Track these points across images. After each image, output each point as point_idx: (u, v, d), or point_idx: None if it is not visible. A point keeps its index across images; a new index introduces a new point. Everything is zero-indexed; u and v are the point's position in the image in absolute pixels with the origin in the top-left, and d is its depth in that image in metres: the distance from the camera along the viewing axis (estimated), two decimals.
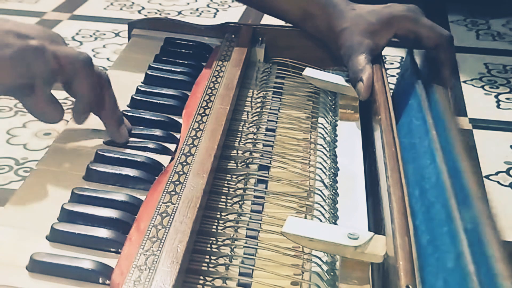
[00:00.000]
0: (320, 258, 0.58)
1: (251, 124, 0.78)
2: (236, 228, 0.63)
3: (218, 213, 0.65)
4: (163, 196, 0.61)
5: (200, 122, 0.73)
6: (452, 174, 0.60)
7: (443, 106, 0.74)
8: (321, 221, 0.64)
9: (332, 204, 0.66)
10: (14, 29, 0.66)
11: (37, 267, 0.55)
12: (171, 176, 0.64)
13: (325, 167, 0.71)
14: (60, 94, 0.70)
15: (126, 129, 0.72)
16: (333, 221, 0.64)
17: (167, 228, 0.57)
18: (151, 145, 0.71)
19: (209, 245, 0.61)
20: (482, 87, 1.80)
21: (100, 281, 0.54)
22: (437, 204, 0.58)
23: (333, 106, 0.83)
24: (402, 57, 1.83)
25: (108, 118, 0.71)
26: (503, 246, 0.49)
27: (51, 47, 0.66)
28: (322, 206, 0.65)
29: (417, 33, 0.85)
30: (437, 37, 0.85)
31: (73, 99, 0.70)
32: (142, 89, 0.82)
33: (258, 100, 0.83)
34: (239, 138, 0.76)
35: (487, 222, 0.51)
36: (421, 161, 0.66)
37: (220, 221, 0.64)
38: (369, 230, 0.62)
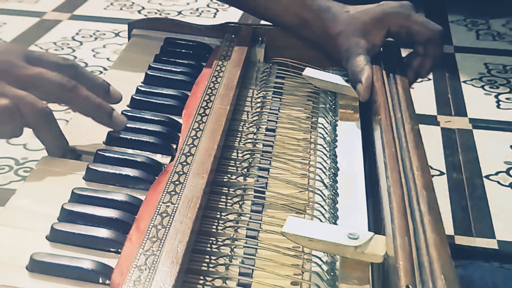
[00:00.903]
0: (320, 258, 0.58)
1: (251, 124, 0.78)
2: (236, 228, 0.63)
3: (218, 213, 0.65)
4: (163, 196, 0.61)
5: (200, 122, 0.73)
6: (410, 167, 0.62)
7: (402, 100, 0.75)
8: (321, 221, 0.64)
9: (332, 204, 0.66)
10: None
11: (37, 267, 0.55)
12: (171, 176, 0.64)
13: (325, 167, 0.71)
14: None
15: (119, 115, 0.71)
16: (333, 221, 0.64)
17: (167, 228, 0.57)
18: (151, 145, 0.71)
19: (209, 245, 0.60)
20: (482, 87, 1.80)
21: (100, 281, 0.54)
22: None
23: (333, 106, 0.83)
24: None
25: (91, 114, 0.71)
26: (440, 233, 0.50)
27: (12, 95, 0.65)
28: (322, 206, 0.65)
29: (409, 29, 0.86)
30: (428, 32, 0.86)
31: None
32: (142, 89, 0.82)
33: (258, 100, 0.83)
34: (239, 138, 0.76)
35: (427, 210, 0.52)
36: None
37: (220, 221, 0.64)
38: (369, 230, 0.62)
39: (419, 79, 0.91)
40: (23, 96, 0.66)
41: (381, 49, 0.88)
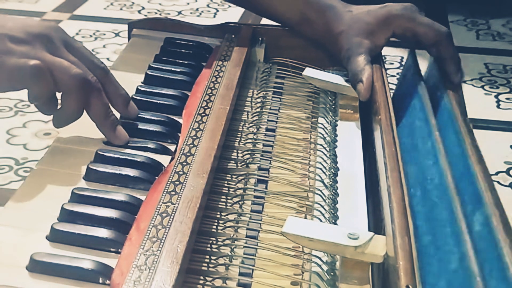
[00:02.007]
0: (320, 258, 0.58)
1: (251, 124, 0.78)
2: (236, 228, 0.63)
3: (218, 213, 0.65)
4: (163, 196, 0.61)
5: (200, 122, 0.73)
6: (465, 177, 0.60)
7: (454, 107, 0.74)
8: (321, 221, 0.64)
9: (332, 204, 0.66)
10: (13, 32, 0.67)
11: (37, 267, 0.55)
12: (171, 176, 0.64)
13: (325, 167, 0.71)
14: None
15: (123, 131, 0.72)
16: (333, 221, 0.64)
17: (167, 228, 0.57)
18: (151, 145, 0.71)
19: (209, 245, 0.60)
20: (482, 87, 1.80)
21: (100, 281, 0.54)
22: (439, 205, 0.58)
23: (333, 106, 0.83)
24: (403, 57, 1.83)
25: (99, 122, 0.71)
26: None
27: (47, 60, 0.67)
28: (322, 206, 0.65)
29: (415, 31, 0.85)
30: (435, 34, 0.85)
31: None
32: (142, 89, 0.82)
33: (258, 100, 0.83)
34: (239, 138, 0.76)
35: (499, 225, 0.51)
36: (424, 162, 0.66)
37: (220, 221, 0.64)
38: (369, 230, 0.62)
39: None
40: (58, 61, 0.68)
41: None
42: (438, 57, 0.85)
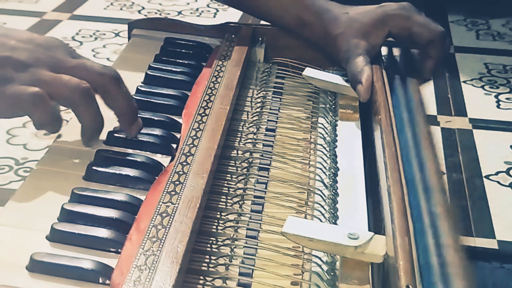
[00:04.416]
0: (320, 258, 0.58)
1: (251, 124, 0.78)
2: (236, 228, 0.63)
3: (218, 213, 0.65)
4: (163, 196, 0.61)
5: (200, 122, 0.73)
6: (420, 169, 0.61)
7: (415, 101, 0.75)
8: (321, 221, 0.64)
9: (332, 204, 0.66)
10: (16, 54, 0.66)
11: (37, 267, 0.55)
12: (171, 176, 0.64)
13: (325, 167, 0.71)
14: None
15: (138, 126, 0.71)
16: (333, 221, 0.64)
17: (167, 228, 0.57)
18: (151, 145, 0.71)
19: (209, 245, 0.60)
20: (482, 87, 1.80)
21: (100, 281, 0.54)
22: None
23: (333, 106, 0.83)
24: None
25: (122, 112, 0.70)
26: (457, 237, 0.50)
27: (47, 81, 0.66)
28: (322, 206, 0.65)
29: (410, 30, 0.85)
30: (430, 33, 0.85)
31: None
32: (142, 89, 0.82)
33: (258, 100, 0.83)
34: (239, 138, 0.76)
35: (443, 213, 0.52)
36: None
37: (220, 221, 0.64)
38: (369, 230, 0.62)
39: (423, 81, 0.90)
40: (58, 77, 0.66)
41: (387, 49, 0.88)
42: (426, 53, 0.86)
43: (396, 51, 0.91)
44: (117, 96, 0.69)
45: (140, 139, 0.72)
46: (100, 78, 0.68)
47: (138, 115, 0.76)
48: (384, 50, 0.89)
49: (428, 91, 1.77)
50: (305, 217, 0.64)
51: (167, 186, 0.62)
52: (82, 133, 0.69)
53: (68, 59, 0.68)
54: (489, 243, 1.27)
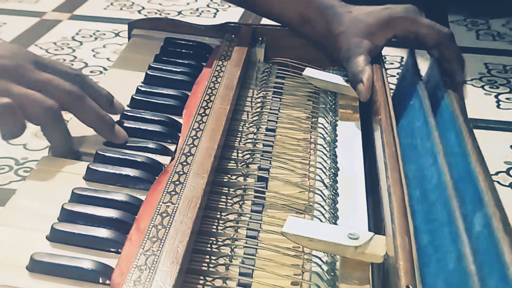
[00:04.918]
0: (320, 258, 0.58)
1: (251, 124, 0.78)
2: (236, 228, 0.63)
3: (218, 213, 0.65)
4: (163, 196, 0.61)
5: (200, 122, 0.73)
6: (465, 177, 0.60)
7: (454, 107, 0.74)
8: (321, 221, 0.64)
9: (332, 204, 0.66)
10: None
11: (37, 267, 0.55)
12: (171, 176, 0.64)
13: (325, 167, 0.71)
14: None
15: (121, 130, 0.72)
16: (333, 221, 0.64)
17: (167, 228, 0.57)
18: (151, 145, 0.71)
19: (209, 245, 0.60)
20: (482, 87, 1.80)
21: (100, 281, 0.54)
22: (438, 205, 0.58)
23: (333, 106, 0.83)
24: (403, 57, 1.83)
25: (94, 126, 0.71)
26: None
27: (17, 94, 0.66)
28: (322, 206, 0.65)
29: (417, 33, 0.85)
30: (437, 35, 0.85)
31: None
32: (142, 89, 0.82)
33: (258, 100, 0.83)
34: (239, 138, 0.76)
35: (499, 226, 0.51)
36: (423, 162, 0.66)
37: (220, 221, 0.64)
38: (369, 230, 0.62)
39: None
40: (30, 94, 0.66)
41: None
42: (441, 58, 0.85)
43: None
44: (83, 112, 0.70)
45: (140, 139, 0.72)
46: (66, 97, 0.68)
47: (138, 115, 0.76)
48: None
49: None
50: (305, 217, 0.64)
51: (167, 186, 0.62)
52: (52, 152, 0.70)
53: (34, 71, 0.68)
54: None
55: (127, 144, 0.71)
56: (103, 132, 0.71)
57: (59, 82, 0.69)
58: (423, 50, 0.87)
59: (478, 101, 1.73)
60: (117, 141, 0.71)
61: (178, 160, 0.66)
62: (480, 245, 0.51)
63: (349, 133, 0.78)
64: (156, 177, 0.65)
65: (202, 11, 2.17)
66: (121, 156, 0.68)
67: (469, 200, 0.57)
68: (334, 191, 0.67)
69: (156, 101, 0.79)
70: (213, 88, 0.80)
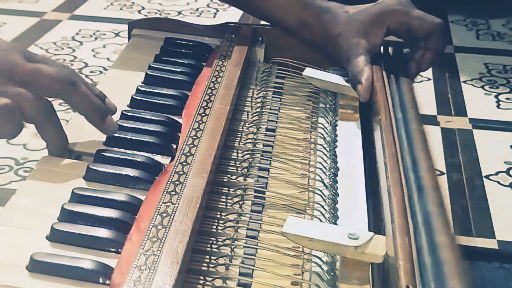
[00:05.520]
0: (320, 258, 0.58)
1: (251, 124, 0.78)
2: (236, 228, 0.63)
3: (218, 213, 0.65)
4: (163, 196, 0.61)
5: (200, 122, 0.73)
6: (413, 168, 0.61)
7: (407, 100, 0.75)
8: (321, 221, 0.64)
9: (332, 204, 0.66)
10: None
11: (37, 267, 0.55)
12: (171, 176, 0.64)
13: (325, 167, 0.71)
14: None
15: (112, 120, 0.71)
16: (333, 221, 0.64)
17: (167, 228, 0.57)
18: (151, 145, 0.71)
19: (209, 245, 0.60)
20: (482, 87, 1.80)
21: (100, 281, 0.54)
22: None
23: (333, 106, 0.83)
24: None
25: (87, 112, 0.70)
26: (451, 234, 0.50)
27: (15, 95, 0.65)
28: (322, 206, 0.65)
29: (409, 25, 0.86)
30: (428, 26, 0.85)
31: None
32: (142, 89, 0.82)
33: (258, 100, 0.83)
34: (239, 138, 0.76)
35: (436, 211, 0.52)
36: None
37: (220, 221, 0.64)
38: (369, 230, 0.62)
39: (418, 78, 0.90)
40: (23, 93, 0.66)
41: (382, 48, 0.88)
42: (425, 48, 0.86)
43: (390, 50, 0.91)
44: (76, 98, 0.69)
45: (140, 139, 0.72)
46: (57, 84, 0.68)
47: (138, 115, 0.76)
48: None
49: (428, 91, 1.77)
50: (305, 217, 0.64)
51: (167, 186, 0.62)
52: (49, 151, 0.70)
53: (23, 63, 0.68)
54: (489, 243, 1.27)
55: (127, 143, 0.71)
56: (95, 120, 0.70)
57: (49, 69, 0.68)
58: (414, 42, 0.87)
59: (478, 101, 1.73)
60: (107, 132, 0.71)
61: (178, 160, 0.66)
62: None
63: (349, 133, 0.78)
64: (156, 177, 0.65)
65: (202, 11, 2.17)
66: (121, 156, 0.68)
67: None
68: (334, 191, 0.67)
69: (156, 101, 0.79)
70: (213, 88, 0.80)
